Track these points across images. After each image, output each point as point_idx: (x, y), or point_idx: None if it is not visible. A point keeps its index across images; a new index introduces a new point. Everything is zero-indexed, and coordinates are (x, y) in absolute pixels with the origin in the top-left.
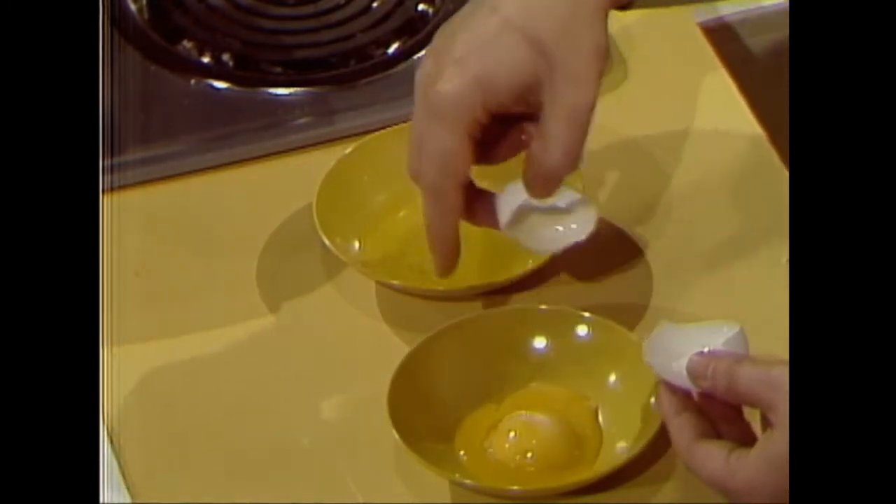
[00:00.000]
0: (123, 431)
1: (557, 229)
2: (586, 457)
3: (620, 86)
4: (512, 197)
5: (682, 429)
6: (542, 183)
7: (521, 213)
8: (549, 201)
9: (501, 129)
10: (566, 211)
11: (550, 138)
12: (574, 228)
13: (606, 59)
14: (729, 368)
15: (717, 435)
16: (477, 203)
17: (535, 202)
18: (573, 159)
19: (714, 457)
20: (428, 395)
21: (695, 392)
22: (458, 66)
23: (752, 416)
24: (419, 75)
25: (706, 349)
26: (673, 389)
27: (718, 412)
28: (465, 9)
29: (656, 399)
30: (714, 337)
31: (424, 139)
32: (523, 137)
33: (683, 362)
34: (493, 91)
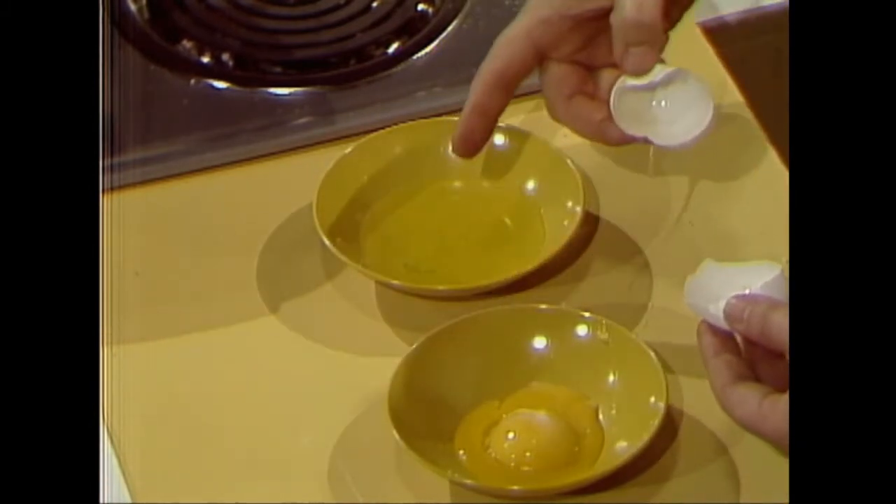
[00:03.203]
0: (123, 431)
1: (678, 123)
2: (586, 456)
3: None
4: (626, 97)
5: (718, 370)
6: (628, 48)
7: (639, 109)
8: (667, 91)
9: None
10: (683, 100)
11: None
12: (695, 120)
13: None
14: (764, 313)
15: (756, 377)
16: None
17: (649, 95)
18: (646, 11)
19: (748, 400)
20: (428, 395)
21: (737, 333)
22: None
23: None
24: None
25: (746, 291)
26: (713, 330)
27: (759, 353)
28: None
29: (697, 338)
30: (754, 278)
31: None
32: None
33: (721, 304)
34: None
